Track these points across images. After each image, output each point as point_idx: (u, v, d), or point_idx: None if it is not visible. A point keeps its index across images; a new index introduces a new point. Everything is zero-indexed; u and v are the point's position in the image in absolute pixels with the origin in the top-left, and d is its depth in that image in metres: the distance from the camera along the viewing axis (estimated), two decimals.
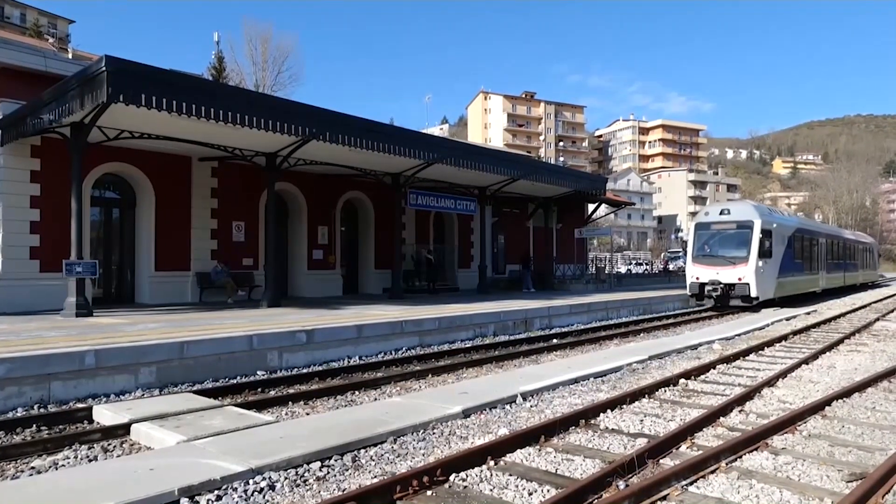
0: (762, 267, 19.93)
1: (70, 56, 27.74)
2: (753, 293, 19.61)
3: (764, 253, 20.11)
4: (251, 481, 4.63)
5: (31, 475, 5.32)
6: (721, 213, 21.58)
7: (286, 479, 4.76)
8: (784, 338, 13.50)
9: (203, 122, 12.15)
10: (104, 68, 10.61)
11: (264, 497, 4.47)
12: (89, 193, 15.74)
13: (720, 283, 20.02)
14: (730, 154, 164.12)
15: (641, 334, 15.32)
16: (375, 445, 5.64)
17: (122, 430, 6.47)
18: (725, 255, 20.43)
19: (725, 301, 20.21)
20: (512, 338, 14.13)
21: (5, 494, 4.39)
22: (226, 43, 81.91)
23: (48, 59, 16.10)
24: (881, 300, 26.44)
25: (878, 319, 17.70)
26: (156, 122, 12.97)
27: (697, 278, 20.77)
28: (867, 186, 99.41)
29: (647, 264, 59.99)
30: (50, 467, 5.56)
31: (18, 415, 7.19)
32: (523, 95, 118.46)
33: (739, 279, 19.76)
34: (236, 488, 4.51)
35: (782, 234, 21.99)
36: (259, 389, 8.78)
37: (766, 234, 20.35)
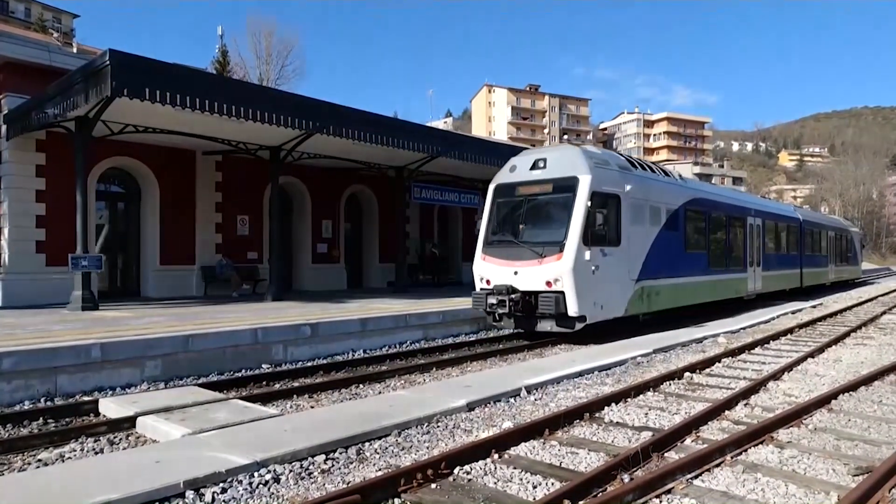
0: (592, 261, 11.44)
1: (74, 50, 27.78)
2: (573, 307, 11.13)
3: (597, 235, 11.66)
4: (256, 474, 4.64)
5: (37, 467, 5.36)
6: (533, 165, 12.51)
7: (291, 471, 4.77)
8: (790, 331, 13.45)
9: (207, 115, 12.17)
10: (108, 62, 10.62)
11: (269, 490, 4.47)
12: (94, 187, 15.77)
13: (516, 289, 11.58)
14: (735, 147, 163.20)
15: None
16: (380, 438, 5.64)
17: (128, 423, 6.50)
18: (530, 240, 11.94)
19: (530, 321, 11.90)
20: (516, 331, 14.08)
21: (13, 486, 4.41)
22: (230, 37, 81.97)
23: (52, 54, 16.10)
24: (887, 294, 26.16)
25: (884, 313, 17.60)
26: (160, 116, 12.98)
27: (487, 282, 12.23)
28: (874, 179, 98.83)
29: None
30: (56, 460, 5.59)
31: (25, 407, 7.25)
32: (528, 88, 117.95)
33: (548, 283, 11.29)
34: (241, 481, 4.52)
35: (652, 204, 13.75)
36: (264, 382, 8.81)
37: (602, 200, 11.87)
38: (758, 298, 20.16)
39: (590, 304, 11.48)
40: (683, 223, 15.24)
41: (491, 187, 13.26)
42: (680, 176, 16.33)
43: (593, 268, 11.54)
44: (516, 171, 12.91)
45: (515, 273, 11.78)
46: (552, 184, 12.07)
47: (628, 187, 12.59)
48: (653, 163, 16.45)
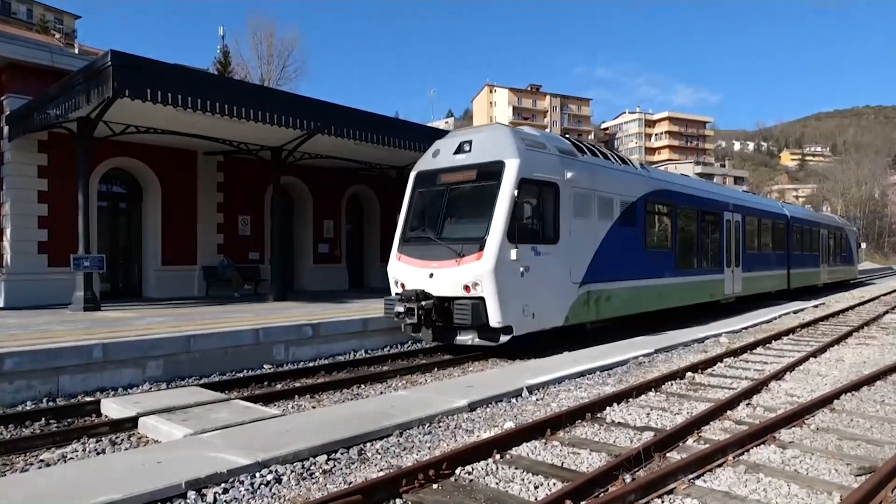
0: (520, 260, 9.83)
1: (76, 51, 27.86)
2: (495, 316, 9.57)
3: (527, 230, 10.12)
4: (258, 474, 4.64)
5: (39, 468, 5.37)
6: (458, 149, 10.86)
7: (292, 472, 4.77)
8: (792, 331, 13.43)
9: (208, 116, 12.18)
10: (110, 63, 10.64)
11: (271, 490, 4.48)
12: (96, 188, 15.80)
13: (429, 295, 9.98)
14: (737, 146, 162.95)
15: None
16: (381, 439, 5.64)
17: (130, 424, 6.51)
18: (448, 236, 10.31)
19: (449, 333, 10.31)
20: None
21: (15, 487, 4.42)
22: (231, 37, 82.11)
23: (54, 55, 16.11)
24: (889, 293, 26.09)
25: (886, 312, 17.57)
26: (161, 117, 12.99)
27: (402, 286, 10.68)
28: (876, 178, 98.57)
29: None
30: (58, 460, 5.60)
31: (28, 408, 7.25)
32: (529, 88, 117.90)
33: (467, 287, 9.69)
34: (243, 481, 4.53)
35: (602, 195, 11.97)
36: (265, 383, 8.81)
37: (534, 189, 10.30)
38: (738, 302, 18.56)
39: (517, 313, 9.84)
40: (643, 218, 13.47)
41: (411, 175, 11.60)
42: (642, 165, 14.78)
43: (522, 269, 9.89)
44: (439, 155, 11.19)
45: (431, 276, 10.10)
46: (476, 170, 10.41)
47: (570, 174, 10.88)
48: (613, 150, 14.45)
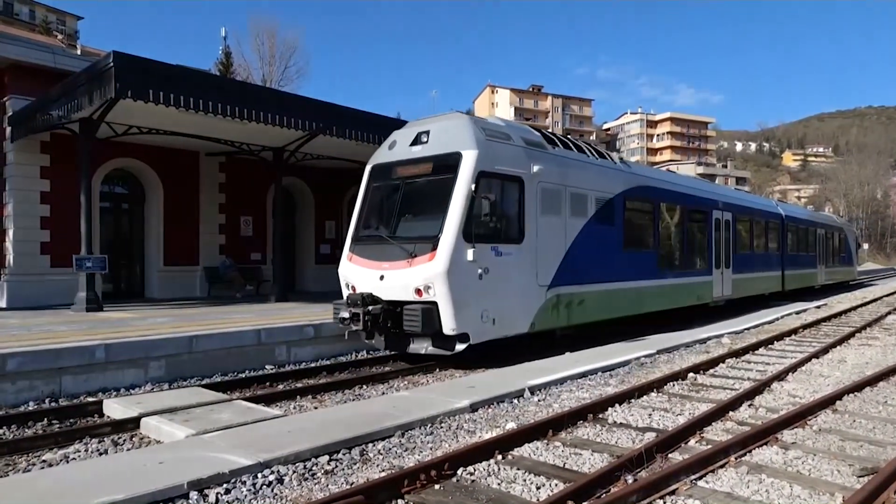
0: (479, 261, 9.05)
1: (79, 52, 27.90)
2: (449, 323, 8.82)
3: (487, 229, 9.41)
4: (260, 475, 4.65)
5: (42, 468, 5.38)
6: (415, 140, 10.09)
7: (294, 472, 4.77)
8: (794, 332, 13.41)
9: (210, 117, 12.20)
10: (112, 64, 10.66)
11: (273, 490, 4.48)
12: (98, 189, 15.84)
13: (377, 299, 9.26)
14: (739, 147, 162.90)
15: None
16: (383, 439, 5.64)
17: (132, 424, 6.52)
18: (401, 235, 9.58)
19: (403, 341, 9.54)
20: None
21: (17, 487, 4.43)
22: (233, 38, 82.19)
23: (57, 56, 16.15)
24: (892, 294, 26.02)
25: (889, 313, 17.53)
26: (164, 118, 13.01)
27: (353, 289, 9.85)
28: (878, 179, 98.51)
29: None
30: (61, 460, 5.61)
31: (30, 408, 7.27)
32: (530, 89, 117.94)
33: (419, 291, 8.96)
34: (245, 482, 4.53)
35: (575, 190, 11.17)
36: (267, 383, 8.82)
37: (495, 183, 9.57)
38: (728, 305, 17.66)
39: (474, 319, 9.05)
40: (622, 216, 12.58)
41: (367, 168, 10.79)
42: (621, 160, 13.85)
43: (480, 271, 9.09)
44: (395, 147, 10.40)
45: (381, 278, 9.34)
46: (431, 162, 9.63)
47: (537, 168, 10.08)
48: (588, 143, 13.35)
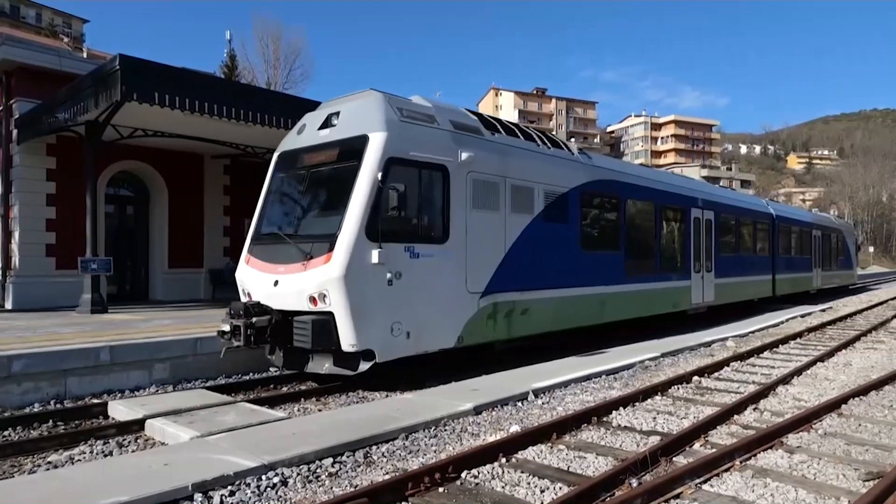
0: (388, 264, 7.82)
1: (85, 55, 28.04)
2: (348, 338, 7.55)
3: (399, 226, 8.05)
4: (264, 477, 4.65)
5: (47, 469, 5.40)
6: (324, 123, 8.84)
7: (298, 474, 4.78)
8: (799, 335, 13.37)
9: (215, 119, 12.24)
10: (118, 67, 10.71)
11: (277, 493, 4.49)
12: (104, 191, 15.89)
13: (267, 309, 8.02)
14: (743, 149, 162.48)
15: None
16: (387, 442, 5.64)
17: (137, 426, 6.54)
18: (301, 233, 8.49)
19: (300, 357, 8.26)
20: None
21: (22, 489, 4.44)
22: (237, 41, 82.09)
23: (63, 59, 16.23)
24: None
25: (895, 317, 17.46)
26: (169, 120, 13.06)
27: (250, 296, 8.64)
28: (884, 182, 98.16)
29: None
30: (66, 462, 5.63)
31: (35, 410, 7.29)
32: (534, 91, 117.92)
33: (313, 299, 7.68)
34: (249, 484, 4.54)
35: (517, 183, 9.92)
36: (271, 386, 8.83)
37: (410, 172, 8.26)
38: (709, 312, 16.27)
39: (382, 332, 7.75)
40: (578, 212, 11.24)
41: (274, 156, 9.64)
42: (580, 150, 12.21)
43: (389, 275, 7.79)
44: (304, 131, 9.16)
45: (276, 283, 8.06)
46: (338, 148, 8.36)
47: (467, 156, 8.79)
48: (540, 130, 11.97)
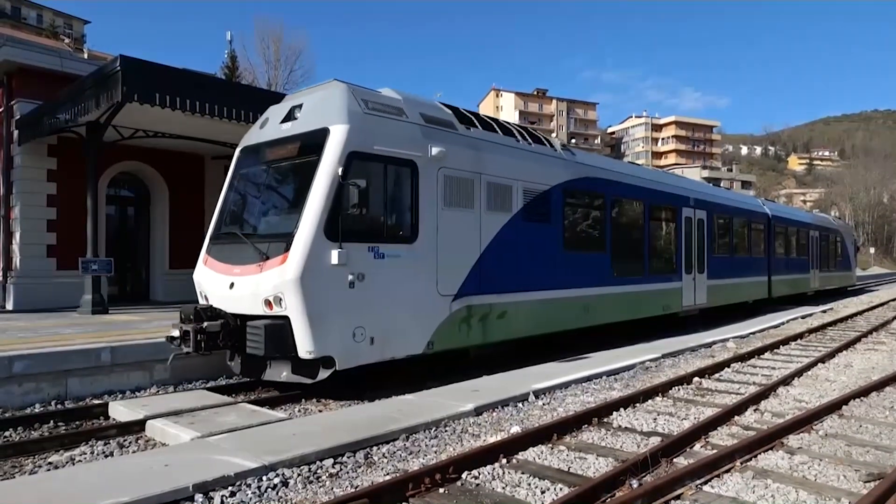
0: (350, 265, 7.43)
1: (85, 56, 28.08)
2: (305, 344, 7.16)
3: (363, 224, 7.71)
4: (265, 478, 4.66)
5: (48, 470, 5.40)
6: (287, 116, 8.54)
7: (299, 475, 4.78)
8: (800, 336, 13.36)
9: (216, 120, 12.24)
10: (119, 68, 10.72)
11: (277, 493, 4.49)
12: (105, 192, 15.90)
13: (219, 313, 7.69)
14: (744, 150, 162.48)
15: None
16: (388, 443, 5.64)
17: (138, 427, 6.54)
18: (259, 232, 8.24)
19: (258, 364, 7.91)
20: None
21: (23, 489, 4.45)
22: (238, 42, 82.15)
23: (64, 60, 16.24)
24: None
25: (895, 318, 17.45)
26: (170, 121, 13.07)
27: (207, 298, 8.33)
28: (885, 183, 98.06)
29: None
30: (67, 463, 5.63)
31: (36, 411, 7.29)
32: (535, 92, 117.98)
33: (269, 303, 7.32)
34: (250, 484, 4.54)
35: (494, 180, 9.51)
36: (272, 387, 8.82)
37: (373, 168, 7.85)
38: (701, 315, 15.67)
39: (342, 338, 7.36)
40: (561, 211, 10.82)
41: (236, 152, 9.28)
42: (563, 146, 11.81)
43: (351, 277, 7.38)
44: (267, 125, 8.85)
45: (231, 286, 7.70)
46: (299, 141, 8.00)
47: (437, 150, 8.40)
48: (519, 125, 11.61)
